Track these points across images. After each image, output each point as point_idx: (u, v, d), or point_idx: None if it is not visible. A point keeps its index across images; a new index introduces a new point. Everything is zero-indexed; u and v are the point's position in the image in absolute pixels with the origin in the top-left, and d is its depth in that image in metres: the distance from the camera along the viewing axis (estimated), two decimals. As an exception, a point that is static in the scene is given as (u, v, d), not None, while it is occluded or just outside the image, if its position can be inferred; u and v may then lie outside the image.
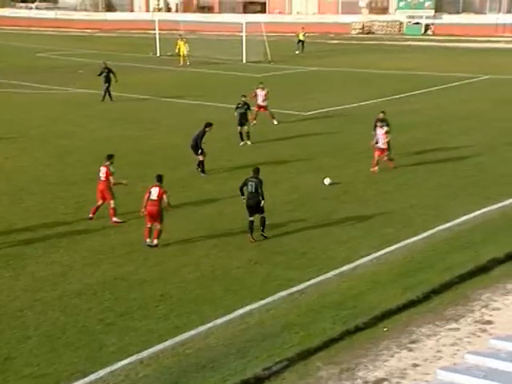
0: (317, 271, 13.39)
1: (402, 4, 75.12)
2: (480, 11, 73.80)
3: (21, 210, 16.87)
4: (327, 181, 19.09)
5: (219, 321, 11.41)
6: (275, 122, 27.02)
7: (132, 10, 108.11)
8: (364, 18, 79.68)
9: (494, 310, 11.88)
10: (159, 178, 14.82)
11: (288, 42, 61.52)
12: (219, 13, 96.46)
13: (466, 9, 74.19)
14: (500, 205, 17.27)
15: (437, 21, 72.81)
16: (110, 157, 16.29)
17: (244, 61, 49.27)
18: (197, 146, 20.19)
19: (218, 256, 14.23)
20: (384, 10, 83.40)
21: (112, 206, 16.01)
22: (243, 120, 24.11)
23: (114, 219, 15.99)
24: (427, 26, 72.87)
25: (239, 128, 24.24)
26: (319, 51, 58.38)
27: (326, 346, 10.65)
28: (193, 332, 11.06)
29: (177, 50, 49.34)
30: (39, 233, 15.39)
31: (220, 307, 11.90)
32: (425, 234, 15.37)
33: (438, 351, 10.51)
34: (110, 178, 15.95)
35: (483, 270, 13.47)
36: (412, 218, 16.46)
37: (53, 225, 15.94)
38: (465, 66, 44.69)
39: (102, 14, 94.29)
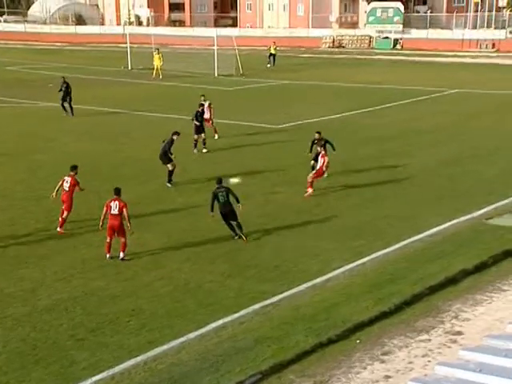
0: (289, 284, 13.41)
1: (371, 19, 76.13)
2: (446, 27, 75.28)
3: (-10, 225, 16.64)
4: (233, 180, 18.38)
5: (192, 335, 11.36)
6: (216, 137, 26.75)
7: (103, 24, 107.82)
8: (334, 32, 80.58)
9: (463, 320, 12.02)
10: (118, 192, 14.72)
11: (259, 56, 61.88)
12: (191, 27, 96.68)
13: (433, 25, 75.62)
14: (469, 216, 17.51)
15: (405, 35, 73.98)
16: (74, 167, 16.59)
17: (216, 74, 49.41)
18: (166, 155, 20.20)
19: (191, 269, 14.19)
20: (354, 25, 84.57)
21: (65, 216, 16.18)
22: (201, 128, 25.04)
23: (60, 230, 16.14)
24: (396, 41, 73.97)
25: (195, 136, 24.96)
26: (291, 65, 58.80)
27: (299, 359, 10.66)
28: (165, 347, 10.98)
29: (153, 63, 49.38)
30: (9, 248, 15.20)
31: (193, 321, 11.85)
32: (397, 246, 15.50)
33: (410, 362, 10.59)
34: (77, 187, 16.30)
35: (453, 281, 13.63)
36: (384, 230, 16.59)
37: (23, 240, 15.75)
38: (433, 80, 45.39)
39: (72, 27, 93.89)
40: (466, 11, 75.72)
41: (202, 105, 25.88)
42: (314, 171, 19.63)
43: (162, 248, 15.35)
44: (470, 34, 70.84)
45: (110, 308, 12.34)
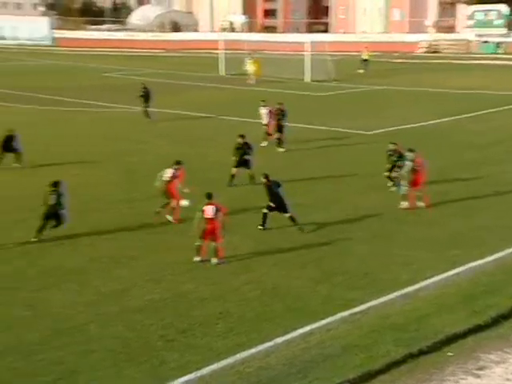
0: (379, 292, 13.13)
1: (471, 22, 73.91)
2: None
3: (85, 225, 17.20)
4: (185, 203, 17.10)
5: (279, 340, 11.30)
6: (264, 144, 26.28)
7: (197, 31, 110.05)
8: (431, 36, 78.78)
9: None
10: (210, 196, 14.86)
11: (352, 62, 61.35)
12: (283, 32, 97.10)
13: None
14: None
15: (508, 39, 71.27)
16: (178, 162, 17.80)
17: (307, 80, 49.34)
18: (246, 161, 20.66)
19: (279, 274, 14.15)
20: (450, 29, 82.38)
21: (173, 205, 17.07)
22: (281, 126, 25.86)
23: (169, 217, 17.00)
24: (498, 45, 71.44)
25: (276, 134, 25.78)
26: (384, 70, 58.01)
27: (389, 369, 10.39)
28: (253, 350, 10.97)
29: (247, 68, 50.02)
30: (103, 249, 15.65)
31: (280, 326, 11.80)
32: (494, 257, 14.89)
33: (507, 380, 10.11)
34: (175, 180, 17.29)
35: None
36: (481, 240, 15.98)
37: (116, 242, 16.19)
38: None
39: (168, 34, 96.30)
40: None
41: (281, 104, 26.43)
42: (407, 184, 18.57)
43: (251, 252, 15.40)
44: None
45: (199, 310, 12.47)
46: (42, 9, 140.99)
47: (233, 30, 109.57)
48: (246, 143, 21.11)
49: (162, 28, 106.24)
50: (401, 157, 19.80)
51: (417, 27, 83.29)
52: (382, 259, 14.97)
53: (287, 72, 51.26)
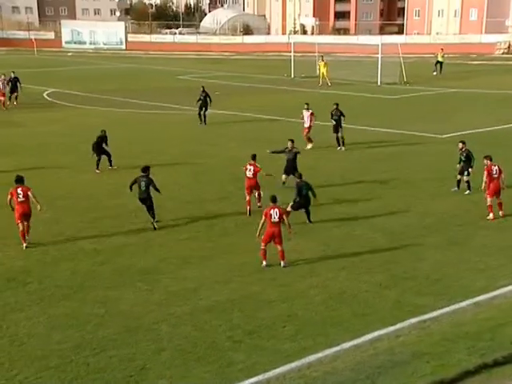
0: (450, 299, 12.84)
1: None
2: None
3: (157, 226, 17.50)
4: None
5: (347, 344, 11.20)
6: (309, 147, 26.18)
7: (269, 33, 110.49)
8: (511, 37, 76.40)
9: None
10: (274, 199, 14.82)
11: (426, 64, 60.25)
12: (355, 35, 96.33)
13: None
14: None
15: None
16: (254, 156, 18.73)
17: (379, 82, 48.76)
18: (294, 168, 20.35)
19: (347, 278, 14.02)
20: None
21: (261, 194, 18.43)
22: (338, 127, 26.38)
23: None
24: None
25: (334, 134, 26.37)
26: (459, 72, 56.69)
27: (461, 379, 10.13)
28: (320, 354, 10.92)
29: (318, 71, 49.92)
30: (173, 249, 15.90)
31: (347, 331, 11.69)
32: None
33: None
34: (259, 172, 18.38)
35: None
36: (557, 248, 15.39)
37: (185, 242, 16.43)
38: None
39: (240, 37, 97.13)
40: None
41: (336, 104, 26.87)
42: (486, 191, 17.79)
43: (318, 256, 15.32)
44: None
45: (266, 312, 12.50)
46: (118, 14, 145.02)
47: (304, 32, 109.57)
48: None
49: (233, 31, 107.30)
50: (467, 156, 19.39)
51: (495, 28, 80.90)
52: (455, 265, 14.62)
53: (358, 74, 50.83)
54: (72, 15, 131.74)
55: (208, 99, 32.79)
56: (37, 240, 16.44)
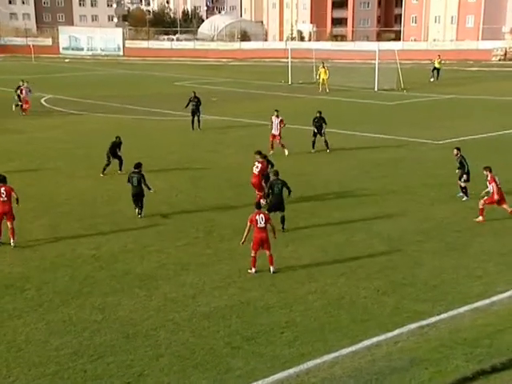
0: (448, 305, 12.85)
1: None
2: None
3: (154, 233, 17.52)
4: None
5: (345, 350, 11.20)
6: (286, 153, 26.30)
7: (266, 40, 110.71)
8: (507, 43, 76.65)
9: None
10: (259, 206, 14.93)
11: (423, 70, 60.44)
12: (352, 41, 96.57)
13: None
14: None
15: None
16: (259, 152, 19.49)
17: (376, 88, 48.88)
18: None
19: (345, 284, 14.03)
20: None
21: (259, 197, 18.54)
22: (319, 133, 27.05)
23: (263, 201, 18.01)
24: None
25: (313, 137, 26.99)
26: (456, 79, 56.87)
27: (459, 385, 10.14)
28: (318, 360, 10.91)
29: (317, 77, 50.00)
30: (171, 255, 15.89)
31: (346, 337, 11.69)
32: None
33: None
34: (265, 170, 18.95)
35: None
36: (555, 254, 15.41)
37: (184, 247, 16.42)
38: None
39: (237, 43, 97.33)
40: None
41: (319, 112, 27.41)
42: (486, 197, 18.09)
43: (317, 262, 15.33)
44: None
45: (264, 318, 12.50)
46: (116, 20, 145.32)
47: (301, 38, 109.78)
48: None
49: (231, 37, 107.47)
50: (461, 163, 19.51)
51: (492, 34, 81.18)
52: (453, 271, 14.63)
53: (356, 81, 50.97)
54: (70, 21, 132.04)
55: (199, 104, 32.77)
56: (35, 246, 16.43)
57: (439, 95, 46.15)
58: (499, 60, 73.44)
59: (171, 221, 18.58)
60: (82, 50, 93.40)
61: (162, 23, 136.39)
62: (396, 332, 11.80)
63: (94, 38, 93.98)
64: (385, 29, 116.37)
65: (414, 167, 24.58)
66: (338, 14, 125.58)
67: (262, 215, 14.54)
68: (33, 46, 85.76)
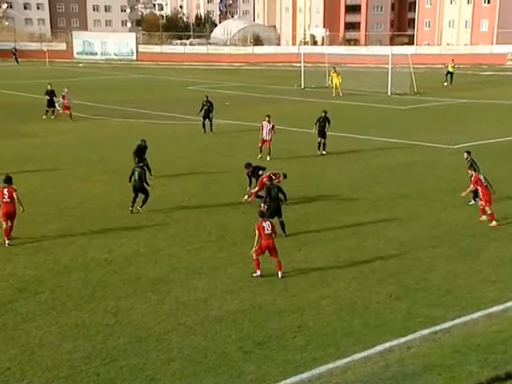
0: (462, 311, 12.77)
1: None
2: None
3: (166, 237, 17.55)
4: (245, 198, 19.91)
5: (357, 356, 11.15)
6: (268, 159, 26.28)
7: (279, 44, 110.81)
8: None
9: None
10: (263, 214, 15.08)
11: (436, 74, 60.22)
12: (365, 45, 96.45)
13: None
14: None
15: None
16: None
17: (389, 93, 48.75)
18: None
19: (357, 289, 13.98)
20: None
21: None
22: (323, 133, 27.35)
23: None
24: None
25: (319, 139, 27.28)
26: (470, 83, 56.61)
27: (472, 392, 10.07)
28: (330, 366, 10.87)
29: (329, 82, 49.96)
30: (183, 259, 15.91)
31: (359, 342, 11.64)
32: None
33: None
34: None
35: None
36: None
37: (195, 251, 16.43)
38: None
39: (250, 47, 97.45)
40: None
41: (325, 112, 27.78)
42: (480, 199, 18.33)
43: (329, 266, 15.29)
44: None
45: (276, 323, 12.48)
46: (129, 25, 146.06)
47: (314, 43, 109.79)
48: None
49: (244, 42, 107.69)
50: (472, 166, 19.44)
51: (506, 38, 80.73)
52: (467, 276, 14.55)
53: (368, 85, 50.85)
54: (84, 26, 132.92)
55: (211, 108, 32.93)
56: (48, 249, 16.51)
57: (453, 99, 45.96)
58: (514, 64, 73.13)
59: (183, 224, 18.60)
60: (96, 54, 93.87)
61: (175, 28, 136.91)
62: (409, 337, 11.74)
63: (108, 42, 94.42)
64: (398, 33, 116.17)
65: (427, 172, 24.47)
66: (351, 18, 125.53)
67: (268, 222, 14.64)
68: (47, 50, 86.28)
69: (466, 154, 20.07)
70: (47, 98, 37.94)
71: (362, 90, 50.30)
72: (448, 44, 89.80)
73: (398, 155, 27.37)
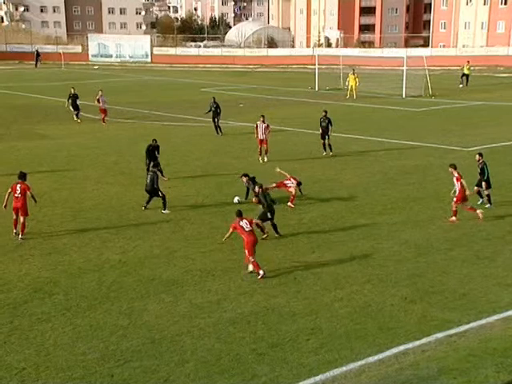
0: (477, 314, 12.67)
1: None
2: None
3: (180, 239, 17.58)
4: (236, 199, 20.45)
5: (371, 359, 11.10)
6: (265, 159, 26.39)
7: (293, 46, 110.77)
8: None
9: None
10: (239, 213, 15.30)
11: (451, 76, 59.91)
12: (380, 47, 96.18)
13: None
14: None
15: None
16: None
17: (404, 95, 48.57)
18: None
19: (372, 291, 13.92)
20: None
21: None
22: (325, 134, 27.29)
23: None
24: None
25: (322, 140, 27.28)
26: (486, 85, 56.26)
27: (488, 396, 9.99)
28: (344, 368, 10.83)
29: (346, 84, 49.85)
30: (196, 261, 15.91)
31: (373, 344, 11.59)
32: None
33: None
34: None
35: None
36: None
37: (209, 253, 16.43)
38: None
39: (264, 50, 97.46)
40: None
41: (325, 112, 27.86)
42: (454, 198, 18.57)
43: (343, 268, 15.23)
44: None
45: (289, 325, 12.45)
46: (144, 27, 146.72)
47: (328, 45, 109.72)
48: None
49: (258, 44, 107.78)
50: (482, 169, 19.36)
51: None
52: (482, 280, 14.44)
53: (383, 87, 50.73)
54: (99, 29, 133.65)
55: (218, 110, 33.02)
56: (63, 251, 16.59)
57: (468, 102, 45.70)
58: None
59: (197, 226, 18.62)
60: (111, 56, 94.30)
61: (190, 30, 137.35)
62: (424, 340, 11.67)
63: (123, 45, 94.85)
64: (413, 35, 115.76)
65: (442, 174, 24.30)
66: (366, 20, 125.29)
67: (244, 220, 15.15)
68: (63, 53, 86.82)
69: (477, 156, 19.97)
70: (71, 101, 37.96)
71: (377, 92, 50.16)
72: (464, 46, 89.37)
73: (413, 158, 27.24)
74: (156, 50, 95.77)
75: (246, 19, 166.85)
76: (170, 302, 13.56)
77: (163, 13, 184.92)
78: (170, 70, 80.00)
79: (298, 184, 20.63)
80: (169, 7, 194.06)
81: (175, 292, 14.06)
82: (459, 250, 16.37)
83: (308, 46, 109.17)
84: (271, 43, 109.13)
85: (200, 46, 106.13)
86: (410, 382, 10.34)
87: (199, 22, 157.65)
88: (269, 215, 17.28)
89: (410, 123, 37.49)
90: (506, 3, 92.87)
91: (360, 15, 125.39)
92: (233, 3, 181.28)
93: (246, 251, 14.93)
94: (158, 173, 20.22)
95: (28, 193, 17.32)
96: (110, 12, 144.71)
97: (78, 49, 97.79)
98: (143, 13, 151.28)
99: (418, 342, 11.60)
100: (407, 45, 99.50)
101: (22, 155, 28.38)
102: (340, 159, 27.12)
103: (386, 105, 44.74)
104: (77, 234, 17.97)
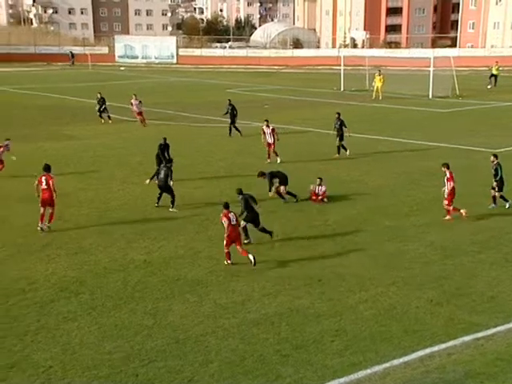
0: (506, 317, 12.50)
1: None
2: None
3: (205, 238, 17.62)
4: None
5: (397, 361, 11.01)
6: (278, 161, 26.32)
7: (319, 47, 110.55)
8: None
9: None
10: (227, 205, 15.77)
11: (480, 77, 59.29)
12: (406, 48, 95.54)
13: None
14: None
15: None
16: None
17: (430, 96, 48.16)
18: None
19: (396, 294, 13.80)
20: None
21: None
22: (340, 135, 27.22)
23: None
24: None
25: (337, 142, 27.21)
26: (513, 85, 55.54)
27: (515, 401, 9.85)
28: (369, 371, 10.76)
29: (373, 84, 49.62)
30: (221, 261, 15.93)
31: (398, 347, 11.49)
32: None
33: None
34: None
35: None
36: None
37: (233, 254, 16.40)
38: None
39: (289, 50, 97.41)
40: None
41: (338, 114, 27.64)
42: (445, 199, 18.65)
43: (368, 270, 15.13)
44: None
45: (314, 326, 12.40)
46: (170, 29, 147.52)
47: (354, 46, 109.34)
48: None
49: (283, 45, 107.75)
50: (496, 170, 19.16)
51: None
52: (510, 282, 14.24)
53: (409, 88, 50.34)
54: (125, 31, 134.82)
55: (234, 111, 33.08)
56: (89, 251, 16.73)
57: (497, 102, 45.17)
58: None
59: (221, 227, 18.56)
60: (137, 58, 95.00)
61: (215, 31, 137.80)
62: (450, 343, 11.55)
63: (149, 46, 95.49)
64: (440, 35, 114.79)
65: (469, 176, 24.05)
66: (393, 20, 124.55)
67: (232, 213, 15.61)
68: (90, 54, 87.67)
69: (492, 157, 19.79)
70: (98, 106, 38.26)
71: (403, 93, 49.81)
72: (492, 46, 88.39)
73: (439, 159, 26.86)
74: (182, 51, 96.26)
75: (272, 20, 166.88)
76: (195, 302, 13.60)
77: (189, 14, 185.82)
78: (195, 71, 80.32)
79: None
80: (194, 8, 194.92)
81: (200, 292, 14.09)
82: (487, 252, 16.18)
83: (334, 47, 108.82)
84: (296, 44, 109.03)
85: (225, 47, 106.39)
86: (436, 386, 10.24)
87: (225, 23, 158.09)
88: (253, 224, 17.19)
89: (435, 124, 37.16)
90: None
91: (386, 16, 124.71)
92: (258, 4, 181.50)
93: (225, 242, 15.51)
94: (171, 169, 20.37)
95: (50, 182, 17.88)
96: (136, 13, 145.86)
97: (105, 50, 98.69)
98: (169, 14, 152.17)
99: (444, 345, 11.48)
100: (434, 45, 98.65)
101: (48, 156, 28.63)
102: (364, 160, 26.98)
103: (412, 106, 44.40)
104: (102, 234, 18.11)
